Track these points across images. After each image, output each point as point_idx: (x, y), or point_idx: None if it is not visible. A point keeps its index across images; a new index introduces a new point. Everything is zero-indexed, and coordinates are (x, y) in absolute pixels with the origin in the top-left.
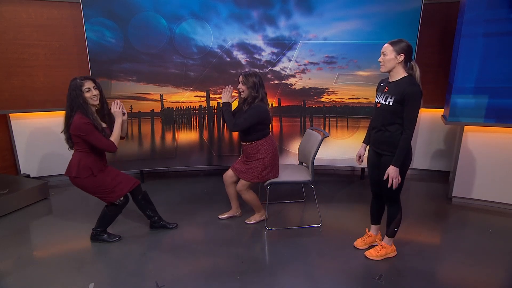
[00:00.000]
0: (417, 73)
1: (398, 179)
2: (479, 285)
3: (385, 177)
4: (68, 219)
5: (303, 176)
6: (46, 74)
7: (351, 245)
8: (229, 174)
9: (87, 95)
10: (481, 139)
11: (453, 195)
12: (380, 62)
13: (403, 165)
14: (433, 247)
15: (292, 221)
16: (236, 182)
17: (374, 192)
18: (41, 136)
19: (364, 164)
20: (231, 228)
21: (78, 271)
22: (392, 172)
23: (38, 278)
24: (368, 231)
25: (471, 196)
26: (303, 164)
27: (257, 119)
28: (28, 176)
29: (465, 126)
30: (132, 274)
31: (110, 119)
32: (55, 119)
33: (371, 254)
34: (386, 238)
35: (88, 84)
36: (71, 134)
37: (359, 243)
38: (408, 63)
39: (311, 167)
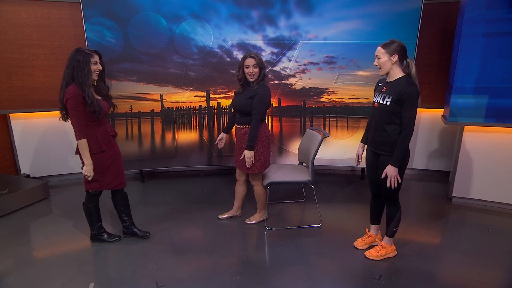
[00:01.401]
0: (413, 70)
1: (398, 179)
2: (479, 285)
3: (383, 176)
4: (68, 219)
5: (303, 176)
6: (46, 74)
7: (351, 245)
8: (238, 172)
9: (93, 67)
10: (481, 139)
11: (453, 195)
12: (376, 65)
13: (401, 165)
14: (433, 247)
15: (292, 221)
16: (247, 181)
17: (373, 192)
18: (41, 136)
19: (364, 164)
20: (231, 228)
21: (78, 271)
22: (390, 171)
23: (38, 278)
24: (368, 231)
25: (471, 196)
26: (303, 164)
27: (269, 97)
28: (28, 176)
29: (465, 126)
30: (132, 274)
31: (106, 95)
32: (55, 119)
33: (371, 254)
34: (386, 238)
35: (96, 58)
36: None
37: (359, 243)
38: (404, 61)
39: (311, 167)
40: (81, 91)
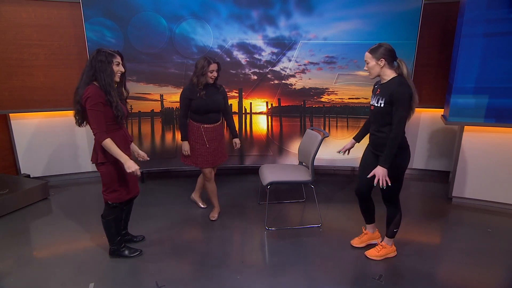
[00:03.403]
0: (405, 70)
1: (387, 180)
2: (479, 285)
3: (369, 175)
4: (68, 219)
5: (303, 176)
6: (46, 74)
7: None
8: (211, 171)
9: (116, 68)
10: (481, 139)
11: (453, 195)
12: (366, 70)
13: (400, 166)
14: (433, 247)
15: (292, 221)
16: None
17: (359, 194)
18: (41, 136)
19: (359, 163)
20: (231, 228)
21: (78, 271)
22: (379, 172)
23: (38, 278)
24: (365, 230)
25: (471, 196)
26: (303, 164)
27: None
28: (28, 176)
29: (465, 126)
30: (132, 274)
31: (124, 99)
32: (55, 119)
33: (371, 254)
34: (386, 238)
35: (118, 59)
36: (84, 107)
37: (356, 241)
38: (395, 62)
39: (311, 167)
40: (104, 92)
